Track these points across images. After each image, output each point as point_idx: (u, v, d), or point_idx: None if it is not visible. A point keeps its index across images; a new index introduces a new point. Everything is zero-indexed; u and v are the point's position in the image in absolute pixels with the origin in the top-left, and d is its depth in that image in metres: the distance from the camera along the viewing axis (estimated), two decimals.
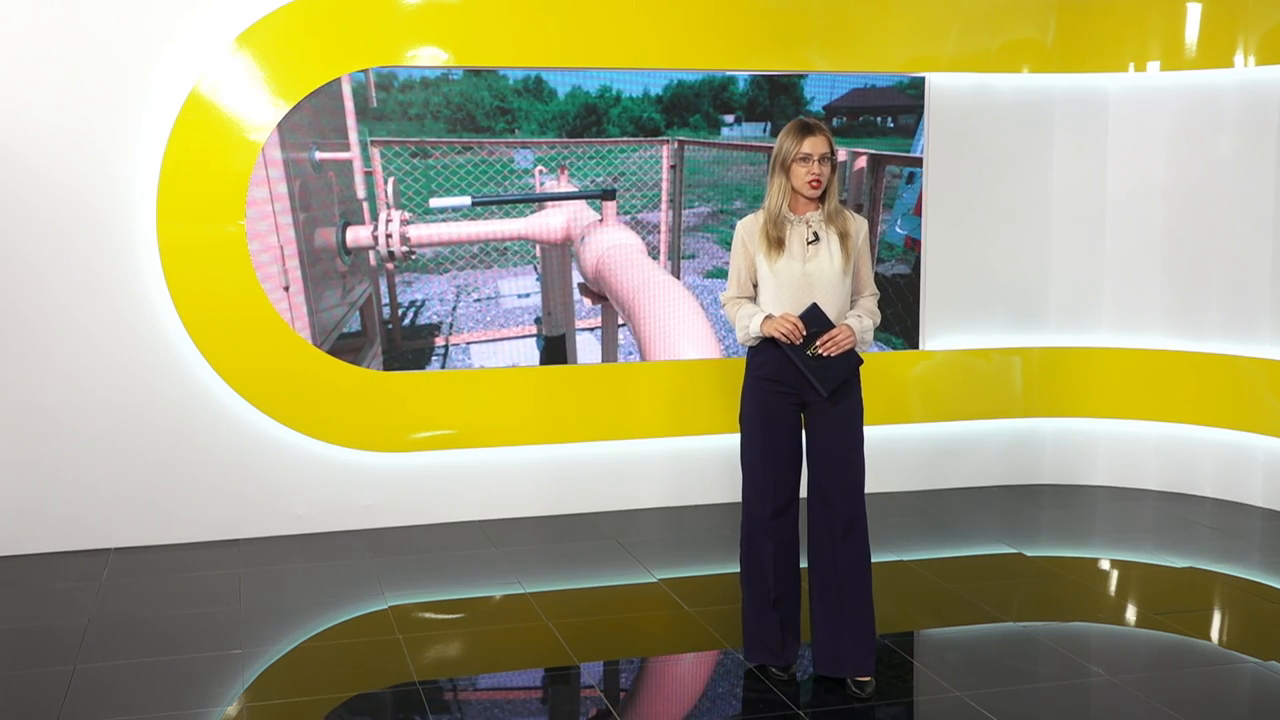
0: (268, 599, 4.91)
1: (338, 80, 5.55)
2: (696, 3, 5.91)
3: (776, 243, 3.85)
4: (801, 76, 6.14)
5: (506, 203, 5.84)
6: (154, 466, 5.57)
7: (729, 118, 6.13)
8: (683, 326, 6.14)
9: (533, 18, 5.74)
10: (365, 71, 5.57)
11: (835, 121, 6.26)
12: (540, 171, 5.89)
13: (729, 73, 6.05)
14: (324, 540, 5.69)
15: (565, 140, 5.91)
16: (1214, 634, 4.57)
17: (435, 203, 5.72)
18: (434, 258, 5.80)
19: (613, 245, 6.02)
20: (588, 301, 6.05)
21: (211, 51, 5.39)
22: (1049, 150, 6.45)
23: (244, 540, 5.68)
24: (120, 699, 3.95)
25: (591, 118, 5.91)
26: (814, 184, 3.81)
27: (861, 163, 6.32)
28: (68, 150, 5.32)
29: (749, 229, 3.92)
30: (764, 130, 6.18)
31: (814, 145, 3.79)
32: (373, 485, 5.84)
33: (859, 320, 3.88)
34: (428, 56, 5.65)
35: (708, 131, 6.09)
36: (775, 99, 6.17)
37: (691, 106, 6.05)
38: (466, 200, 5.76)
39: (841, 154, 6.24)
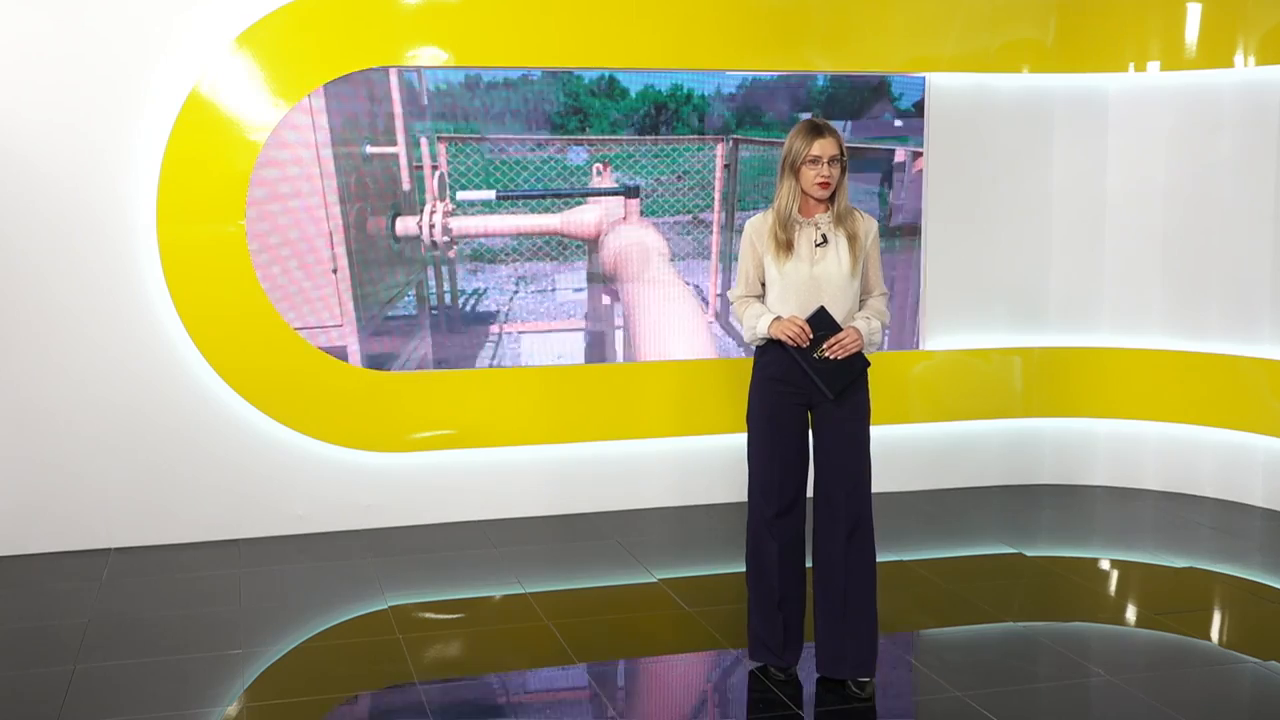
0: (268, 599, 4.91)
1: (386, 79, 5.58)
2: (694, 2, 5.91)
3: (785, 245, 3.84)
4: (887, 76, 6.10)
5: (529, 197, 5.89)
6: (154, 466, 5.57)
7: (805, 116, 6.08)
8: (676, 329, 6.14)
9: (531, 17, 5.74)
10: (418, 73, 5.62)
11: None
12: (597, 169, 5.92)
13: (804, 72, 6.04)
14: (324, 540, 5.69)
15: (616, 139, 5.92)
16: (1214, 634, 4.57)
17: (462, 195, 5.80)
18: (501, 248, 5.89)
19: (628, 243, 6.04)
20: (605, 298, 6.07)
21: (211, 51, 5.39)
22: (1049, 150, 6.45)
23: (244, 540, 5.67)
24: (120, 699, 3.95)
25: (661, 116, 5.90)
26: (823, 186, 3.80)
27: (922, 163, 6.29)
28: (68, 150, 5.32)
29: (757, 229, 3.91)
30: (843, 128, 6.08)
31: (823, 147, 3.77)
32: (373, 485, 5.84)
33: (867, 323, 3.87)
34: (428, 56, 5.65)
35: (780, 131, 6.03)
36: (859, 96, 6.10)
37: (765, 105, 6.02)
38: (491, 194, 5.82)
39: (900, 153, 6.22)
